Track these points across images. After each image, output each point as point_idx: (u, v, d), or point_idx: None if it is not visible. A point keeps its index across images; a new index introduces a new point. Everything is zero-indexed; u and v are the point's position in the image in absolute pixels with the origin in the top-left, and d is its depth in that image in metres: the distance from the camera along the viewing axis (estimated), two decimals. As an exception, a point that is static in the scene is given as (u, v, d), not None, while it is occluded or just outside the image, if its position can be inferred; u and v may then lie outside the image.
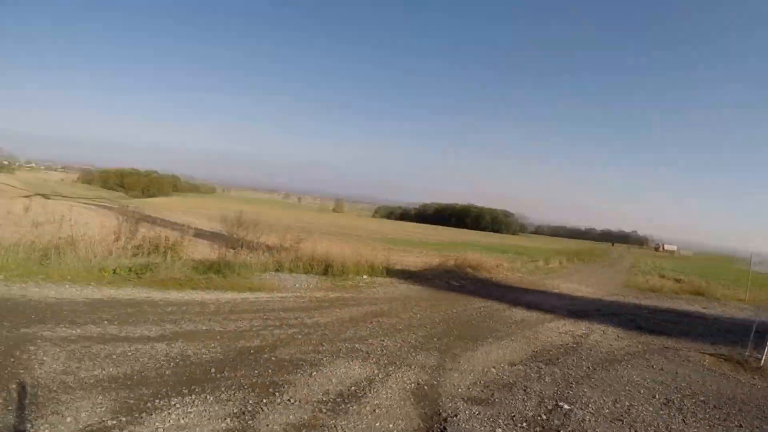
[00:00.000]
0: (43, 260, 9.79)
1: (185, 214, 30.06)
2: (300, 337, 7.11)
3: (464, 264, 18.53)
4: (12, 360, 5.02)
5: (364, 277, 13.54)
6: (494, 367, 6.68)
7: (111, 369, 5.10)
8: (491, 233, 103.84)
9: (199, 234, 17.90)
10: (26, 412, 4.01)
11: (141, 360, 5.45)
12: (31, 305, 7.09)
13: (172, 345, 6.02)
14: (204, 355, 5.83)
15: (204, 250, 13.80)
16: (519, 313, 10.87)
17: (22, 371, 4.78)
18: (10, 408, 4.04)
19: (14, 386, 4.44)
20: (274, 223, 19.23)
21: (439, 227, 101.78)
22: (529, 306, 11.88)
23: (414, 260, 19.92)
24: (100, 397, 4.45)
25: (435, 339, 7.85)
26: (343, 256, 14.01)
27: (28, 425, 3.82)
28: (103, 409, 4.23)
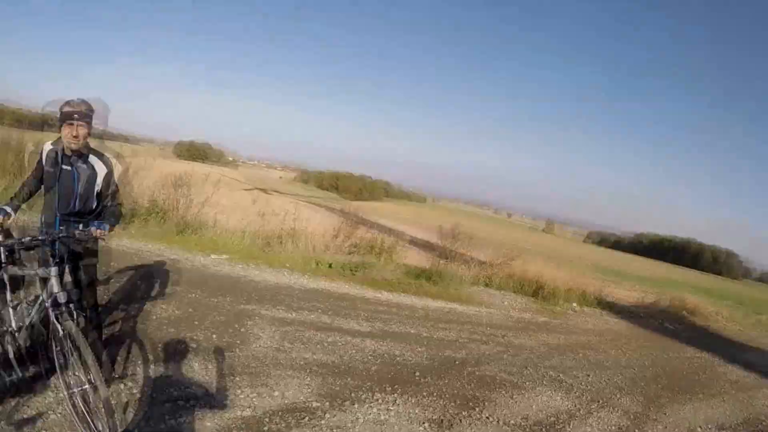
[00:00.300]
0: (265, 247, 11.44)
1: (396, 220, 31.94)
2: (505, 356, 7.28)
3: (679, 306, 17.19)
4: (231, 331, 5.91)
5: (574, 304, 13.37)
6: (701, 427, 6.27)
7: (321, 355, 5.73)
8: (710, 274, 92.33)
9: (411, 241, 18.97)
10: (238, 380, 4.69)
11: (350, 352, 6.02)
12: (252, 285, 8.26)
13: (381, 343, 6.53)
14: (410, 358, 6.23)
15: (415, 257, 14.66)
16: (734, 372, 9.82)
17: (239, 342, 5.62)
18: (224, 373, 4.78)
19: (230, 354, 5.26)
20: (484, 238, 19.63)
21: (655, 261, 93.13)
22: (747, 366, 10.50)
23: (626, 294, 18.94)
24: (308, 378, 5.02)
25: (642, 383, 7.54)
26: (554, 279, 13.96)
27: (239, 391, 4.46)
28: (309, 390, 4.77)
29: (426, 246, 19.00)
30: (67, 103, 3.59)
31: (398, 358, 6.15)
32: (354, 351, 6.08)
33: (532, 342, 8.50)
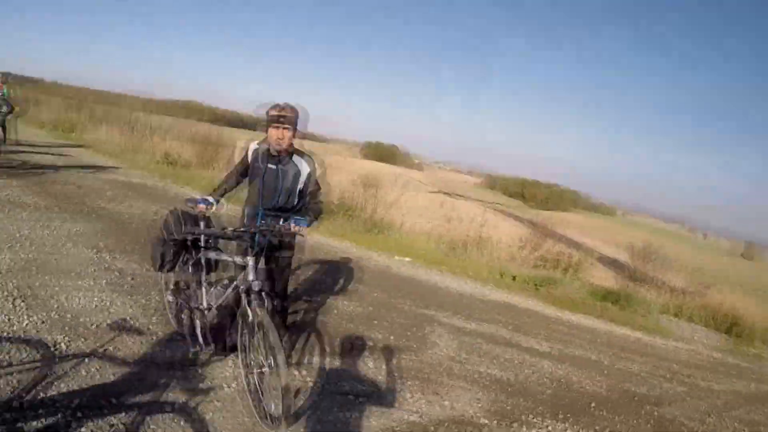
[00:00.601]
0: (449, 253, 11.61)
1: (583, 233, 30.37)
2: (688, 398, 6.60)
3: None
4: (408, 334, 6.09)
5: (770, 347, 11.67)
6: None
7: (496, 370, 5.66)
8: None
9: (598, 257, 18.13)
10: (409, 384, 4.79)
11: (525, 371, 5.87)
12: (433, 291, 8.44)
13: (558, 366, 6.30)
14: (587, 386, 5.92)
15: (601, 275, 13.95)
16: None
17: (415, 346, 5.75)
18: (396, 375, 4.91)
19: (405, 358, 5.39)
20: (675, 260, 18.04)
21: None
22: None
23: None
24: (480, 393, 4.98)
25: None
26: (752, 316, 12.42)
27: (408, 395, 4.55)
28: (479, 405, 4.72)
29: (613, 264, 18.07)
30: (275, 107, 3.92)
31: (575, 385, 5.88)
32: (530, 371, 5.93)
33: (720, 386, 7.66)
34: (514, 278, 10.83)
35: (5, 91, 10.20)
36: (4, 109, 10.10)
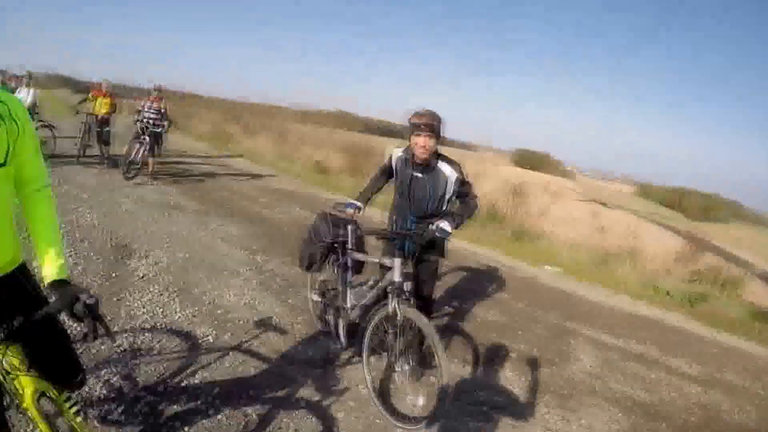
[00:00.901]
0: (600, 264, 11.04)
1: (742, 248, 27.35)
2: None
3: None
4: (552, 348, 5.91)
5: None
6: None
7: (639, 391, 5.32)
8: None
9: (761, 275, 16.33)
10: (547, 399, 4.66)
11: (671, 394, 5.46)
12: (581, 304, 8.11)
13: (708, 391, 5.76)
14: (735, 416, 5.30)
15: (762, 293, 12.53)
16: None
17: (557, 360, 5.58)
18: (535, 389, 4.79)
19: (546, 372, 5.25)
20: None
21: None
22: None
23: None
24: (619, 414, 4.72)
25: None
26: None
27: (544, 410, 4.42)
28: (617, 427, 4.47)
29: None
30: (415, 114, 3.81)
31: (723, 414, 5.32)
32: (676, 394, 5.49)
33: None
34: (668, 293, 10.08)
35: (163, 106, 11.14)
36: (165, 123, 11.07)
